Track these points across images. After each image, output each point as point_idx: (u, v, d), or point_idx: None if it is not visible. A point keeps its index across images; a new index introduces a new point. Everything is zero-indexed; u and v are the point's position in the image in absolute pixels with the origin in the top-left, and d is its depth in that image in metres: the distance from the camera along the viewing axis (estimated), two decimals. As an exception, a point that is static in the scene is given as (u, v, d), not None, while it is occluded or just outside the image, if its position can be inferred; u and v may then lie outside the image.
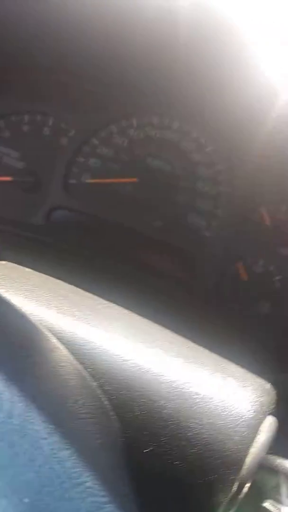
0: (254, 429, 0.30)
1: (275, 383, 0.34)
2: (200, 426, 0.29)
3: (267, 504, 0.36)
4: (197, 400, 0.29)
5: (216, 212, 0.65)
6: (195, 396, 0.29)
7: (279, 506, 0.35)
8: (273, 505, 0.36)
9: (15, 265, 0.37)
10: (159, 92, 0.64)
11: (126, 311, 0.35)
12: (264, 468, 0.32)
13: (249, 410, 0.30)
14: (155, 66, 0.61)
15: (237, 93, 0.58)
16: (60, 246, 0.63)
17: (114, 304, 0.35)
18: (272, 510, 0.36)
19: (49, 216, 0.67)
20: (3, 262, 0.36)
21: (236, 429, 0.29)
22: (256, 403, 0.31)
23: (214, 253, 0.64)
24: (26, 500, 0.16)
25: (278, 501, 0.36)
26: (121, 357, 0.30)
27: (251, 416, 0.30)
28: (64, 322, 0.31)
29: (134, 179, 0.66)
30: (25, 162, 0.70)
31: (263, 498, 0.37)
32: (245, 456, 0.29)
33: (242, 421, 0.29)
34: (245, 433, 0.29)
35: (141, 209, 0.66)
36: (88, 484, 0.20)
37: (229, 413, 0.29)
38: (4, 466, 0.16)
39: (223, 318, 0.60)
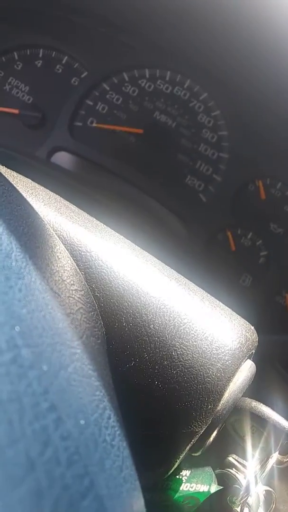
0: (237, 361, 0.29)
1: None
2: (184, 347, 0.28)
3: (231, 459, 0.36)
4: (185, 321, 0.29)
5: (214, 177, 0.65)
6: (183, 317, 0.29)
7: (243, 461, 0.35)
8: (237, 460, 0.36)
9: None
10: (176, 46, 0.63)
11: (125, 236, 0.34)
12: (239, 411, 0.32)
13: (234, 341, 0.30)
14: (178, 20, 0.60)
15: (264, 67, 0.58)
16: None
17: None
18: (236, 465, 0.35)
19: (51, 155, 0.66)
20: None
21: (220, 356, 0.29)
22: (241, 337, 0.30)
23: (207, 217, 0.64)
24: (18, 328, 0.15)
25: (243, 456, 0.36)
26: (116, 266, 0.29)
27: (236, 347, 0.30)
28: (64, 221, 0.30)
29: (140, 131, 0.65)
30: (33, 97, 0.68)
31: (229, 452, 0.36)
32: (225, 386, 0.29)
33: (228, 349, 0.29)
34: (228, 362, 0.29)
35: (142, 162, 0.65)
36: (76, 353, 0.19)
37: (215, 340, 0.29)
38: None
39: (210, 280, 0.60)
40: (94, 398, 0.18)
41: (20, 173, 0.34)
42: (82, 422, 0.16)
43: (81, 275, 0.27)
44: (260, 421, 0.32)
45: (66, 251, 0.28)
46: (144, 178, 0.64)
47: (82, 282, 0.27)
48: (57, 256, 0.26)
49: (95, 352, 0.23)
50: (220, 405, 0.29)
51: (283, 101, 0.61)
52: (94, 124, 0.66)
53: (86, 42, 0.66)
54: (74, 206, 0.33)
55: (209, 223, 0.64)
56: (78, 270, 0.27)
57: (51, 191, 0.34)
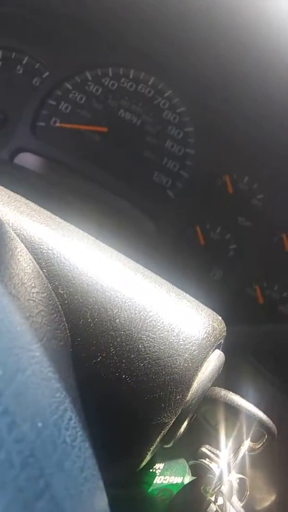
0: (204, 350, 0.30)
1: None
2: (151, 339, 0.28)
3: (204, 449, 0.36)
4: (151, 314, 0.29)
5: (181, 173, 0.65)
6: (149, 309, 0.29)
7: (216, 451, 0.36)
8: (210, 450, 0.36)
9: None
10: (139, 44, 0.63)
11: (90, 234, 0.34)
12: (209, 400, 0.32)
13: (200, 331, 0.30)
14: (139, 18, 0.60)
15: (227, 63, 0.59)
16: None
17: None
18: (209, 455, 0.36)
19: (14, 156, 0.65)
20: None
21: (187, 346, 0.29)
22: (208, 327, 0.31)
23: (175, 213, 0.64)
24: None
25: (216, 446, 0.36)
26: (80, 262, 0.29)
27: (203, 337, 0.30)
28: (25, 220, 0.30)
29: (105, 129, 0.65)
30: (-6, 98, 0.68)
31: (201, 443, 0.37)
32: (194, 376, 0.29)
33: (195, 339, 0.29)
34: (196, 352, 0.29)
35: (108, 161, 0.65)
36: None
37: (182, 331, 0.29)
38: None
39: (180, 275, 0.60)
40: (54, 400, 0.18)
41: None
42: (39, 424, 0.16)
43: (44, 277, 0.27)
44: (231, 410, 0.33)
45: (28, 252, 0.27)
46: (111, 177, 0.64)
47: (44, 284, 0.26)
48: (18, 258, 0.25)
49: (57, 354, 0.23)
50: (189, 395, 0.29)
51: (247, 96, 0.62)
52: (57, 124, 0.65)
53: (47, 42, 0.66)
54: (35, 204, 0.33)
55: (178, 219, 0.64)
56: (40, 271, 0.27)
57: (14, 192, 0.34)
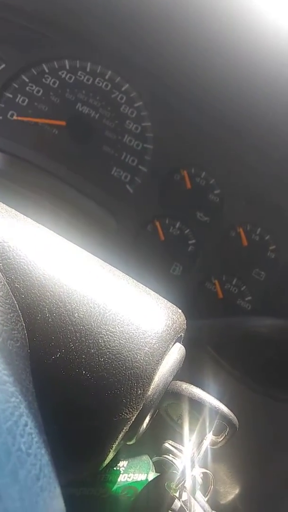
0: (165, 343, 0.29)
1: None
2: (111, 333, 0.27)
3: (167, 444, 0.36)
4: (110, 307, 0.28)
5: (140, 168, 0.64)
6: (108, 303, 0.28)
7: (179, 446, 0.35)
8: (173, 445, 0.36)
9: None
10: (95, 37, 0.63)
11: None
12: (170, 395, 0.32)
13: (160, 324, 0.30)
14: (96, 10, 0.59)
15: (184, 58, 0.59)
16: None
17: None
18: (172, 450, 0.35)
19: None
20: None
21: (147, 340, 0.28)
22: (168, 320, 0.30)
23: (135, 208, 0.64)
24: None
25: (179, 441, 0.36)
26: (36, 255, 0.28)
27: (163, 330, 0.29)
28: None
29: (63, 123, 0.63)
30: None
31: (165, 438, 0.36)
32: (154, 370, 0.28)
33: (154, 333, 0.29)
34: (156, 345, 0.29)
35: (67, 155, 0.63)
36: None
37: (141, 324, 0.29)
38: None
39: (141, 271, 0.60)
40: (8, 406, 0.17)
41: None
42: None
43: (0, 274, 0.26)
44: (192, 403, 0.32)
45: None
46: (69, 171, 0.63)
47: (0, 281, 0.25)
48: None
49: (13, 356, 0.22)
50: (150, 389, 0.29)
51: (204, 92, 0.62)
52: (14, 117, 0.64)
53: (3, 33, 0.64)
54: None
55: (137, 214, 0.64)
56: None
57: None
